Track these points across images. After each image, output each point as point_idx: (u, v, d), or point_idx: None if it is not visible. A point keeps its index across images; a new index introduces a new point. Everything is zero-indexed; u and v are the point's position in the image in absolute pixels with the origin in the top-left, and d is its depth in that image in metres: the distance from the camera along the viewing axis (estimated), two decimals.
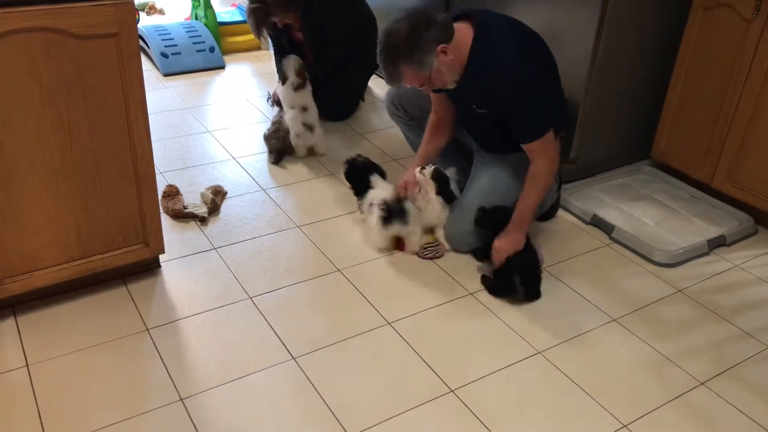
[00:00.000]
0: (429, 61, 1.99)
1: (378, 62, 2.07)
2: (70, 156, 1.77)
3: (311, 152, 2.93)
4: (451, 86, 2.10)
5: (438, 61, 1.99)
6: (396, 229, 2.27)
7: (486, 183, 2.27)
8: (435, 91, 2.20)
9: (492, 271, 2.15)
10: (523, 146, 2.12)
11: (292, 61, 2.85)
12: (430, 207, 2.29)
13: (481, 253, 2.24)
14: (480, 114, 2.16)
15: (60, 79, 1.67)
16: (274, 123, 2.93)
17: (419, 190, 2.29)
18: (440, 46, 1.98)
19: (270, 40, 3.44)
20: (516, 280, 2.09)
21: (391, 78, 2.08)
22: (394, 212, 2.25)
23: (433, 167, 2.28)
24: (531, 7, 2.54)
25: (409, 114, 2.56)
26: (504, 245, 2.11)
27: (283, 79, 2.88)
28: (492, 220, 2.18)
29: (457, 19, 2.08)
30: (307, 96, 2.86)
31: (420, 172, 2.28)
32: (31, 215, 1.79)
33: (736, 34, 2.39)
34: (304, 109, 2.84)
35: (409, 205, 2.28)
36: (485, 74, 2.04)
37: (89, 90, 1.73)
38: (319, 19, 3.01)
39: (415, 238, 2.30)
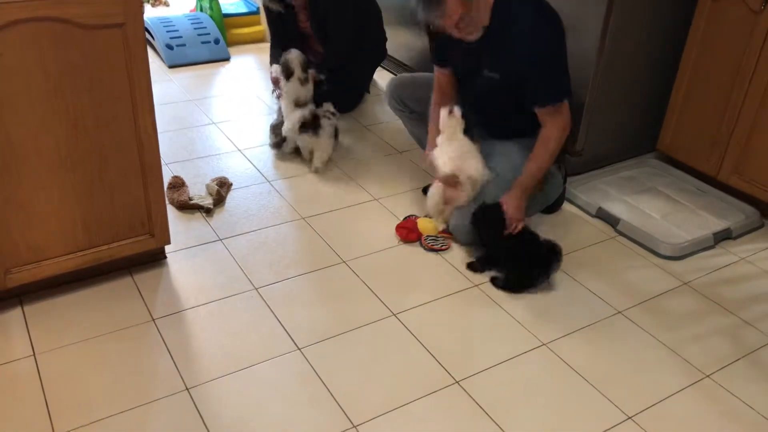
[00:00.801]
0: None
1: None
2: (76, 146, 1.77)
3: (297, 152, 2.85)
4: (473, 38, 2.09)
5: None
6: (306, 138, 2.65)
7: (492, 174, 2.27)
8: (441, 63, 2.25)
9: (510, 269, 2.14)
10: (537, 111, 2.14)
11: (295, 56, 2.77)
12: (456, 144, 2.23)
13: (480, 265, 2.20)
14: (490, 79, 2.16)
15: (66, 69, 1.67)
16: (280, 114, 2.92)
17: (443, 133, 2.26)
18: None
19: (268, 26, 3.40)
20: (535, 272, 2.10)
21: (434, 5, 2.00)
22: (310, 124, 2.62)
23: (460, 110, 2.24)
24: None
25: (410, 107, 2.56)
26: (511, 211, 2.13)
27: (287, 73, 2.83)
28: (486, 218, 2.15)
29: None
30: (310, 93, 2.80)
31: (449, 114, 2.23)
32: (38, 205, 1.79)
33: (743, 25, 2.37)
34: (305, 105, 2.77)
35: (325, 123, 2.66)
36: (507, 33, 2.05)
37: (95, 80, 1.73)
38: (324, 9, 3.00)
39: (322, 154, 2.69)
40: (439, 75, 2.34)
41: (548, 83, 2.13)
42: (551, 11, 2.12)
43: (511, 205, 2.14)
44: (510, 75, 2.13)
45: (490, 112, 2.32)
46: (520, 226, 2.13)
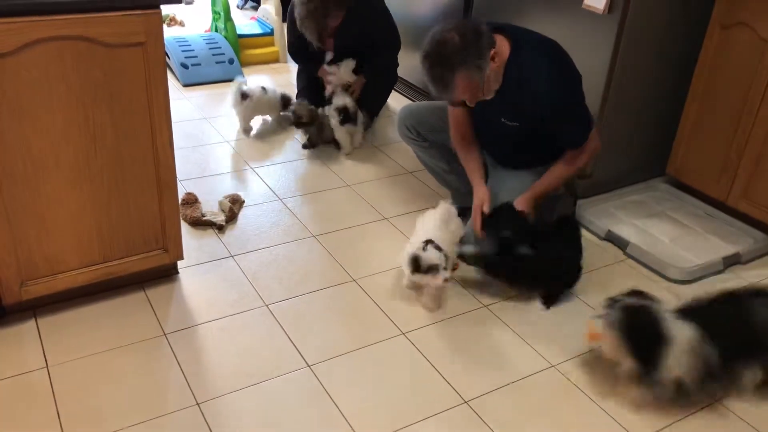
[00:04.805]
0: (485, 67, 1.97)
1: (426, 74, 2.01)
2: (95, 159, 1.81)
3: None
4: (490, 96, 2.09)
5: (490, 67, 1.99)
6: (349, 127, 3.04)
7: (502, 198, 2.28)
8: (454, 102, 2.21)
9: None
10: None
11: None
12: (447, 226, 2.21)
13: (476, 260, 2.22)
14: (510, 126, 2.17)
15: (88, 85, 1.71)
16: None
17: None
18: (492, 50, 1.98)
19: (287, 33, 3.40)
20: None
21: (444, 89, 2.01)
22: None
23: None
24: (549, 22, 2.57)
25: (422, 136, 2.53)
26: (522, 205, 2.18)
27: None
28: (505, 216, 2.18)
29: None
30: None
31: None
32: (56, 216, 1.82)
33: (753, 52, 2.40)
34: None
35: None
36: (525, 89, 2.05)
37: (116, 96, 1.76)
38: (358, 27, 3.06)
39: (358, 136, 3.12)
40: (453, 111, 2.31)
41: (577, 129, 2.16)
42: (565, 59, 2.11)
43: (521, 203, 2.18)
44: (531, 124, 2.14)
45: (505, 150, 2.33)
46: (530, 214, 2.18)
